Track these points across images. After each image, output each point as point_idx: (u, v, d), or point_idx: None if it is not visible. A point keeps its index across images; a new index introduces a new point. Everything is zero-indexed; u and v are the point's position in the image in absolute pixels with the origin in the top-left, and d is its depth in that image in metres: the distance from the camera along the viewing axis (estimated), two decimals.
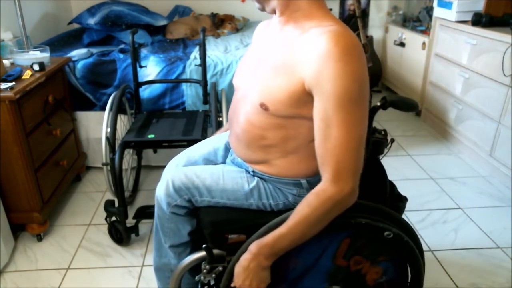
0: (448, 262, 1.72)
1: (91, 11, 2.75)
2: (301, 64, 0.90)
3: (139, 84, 2.11)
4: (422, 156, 2.61)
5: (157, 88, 2.24)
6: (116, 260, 1.76)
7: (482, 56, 2.38)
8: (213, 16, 3.16)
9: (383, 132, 1.11)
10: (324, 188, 0.89)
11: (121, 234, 1.81)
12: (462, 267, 1.70)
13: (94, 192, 2.26)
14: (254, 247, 0.94)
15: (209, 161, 1.28)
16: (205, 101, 2.16)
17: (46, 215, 1.85)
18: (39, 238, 1.87)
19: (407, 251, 1.04)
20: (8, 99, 1.59)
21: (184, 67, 2.25)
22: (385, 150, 1.11)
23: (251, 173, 1.12)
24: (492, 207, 2.10)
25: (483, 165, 2.43)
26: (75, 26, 3.07)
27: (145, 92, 2.24)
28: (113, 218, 1.80)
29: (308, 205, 0.90)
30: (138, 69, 2.25)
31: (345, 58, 0.84)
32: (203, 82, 2.08)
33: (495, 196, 2.19)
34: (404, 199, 1.13)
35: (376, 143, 1.08)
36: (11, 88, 1.62)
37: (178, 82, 2.23)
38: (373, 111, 1.04)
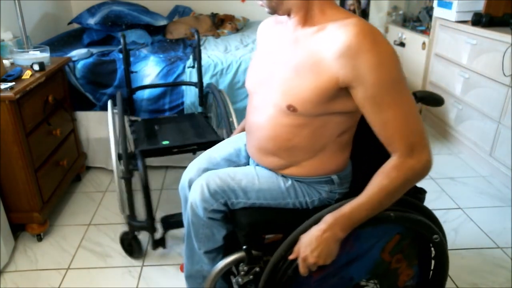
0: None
1: (91, 11, 2.75)
2: (327, 60, 0.90)
3: (132, 91, 2.09)
4: None
5: (157, 88, 2.24)
6: (116, 260, 1.76)
7: (482, 56, 2.38)
8: (213, 16, 3.16)
9: None
10: (401, 161, 0.92)
11: (134, 246, 1.75)
12: (462, 267, 1.70)
13: (94, 192, 2.26)
14: (329, 217, 0.93)
15: (231, 162, 1.26)
16: (201, 103, 2.15)
17: (46, 215, 1.85)
18: (39, 238, 1.87)
19: (442, 254, 1.08)
20: (8, 99, 1.59)
21: (184, 67, 2.25)
22: None
23: (280, 175, 1.12)
24: (492, 207, 2.10)
25: (483, 165, 2.43)
26: (75, 26, 3.07)
27: (145, 93, 2.24)
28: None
29: (387, 177, 0.92)
30: (138, 69, 2.25)
31: (376, 46, 0.86)
32: (199, 84, 2.07)
33: (495, 196, 2.19)
34: (423, 191, 1.15)
35: None
36: (11, 88, 1.62)
37: (172, 85, 2.19)
38: None
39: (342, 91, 0.92)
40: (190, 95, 2.25)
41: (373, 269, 1.08)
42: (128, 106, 2.13)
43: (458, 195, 2.19)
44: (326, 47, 0.90)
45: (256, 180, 1.10)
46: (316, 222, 0.96)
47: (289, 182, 1.10)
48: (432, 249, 1.11)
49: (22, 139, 1.68)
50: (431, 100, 1.17)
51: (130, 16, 2.66)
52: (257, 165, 1.18)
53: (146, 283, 1.64)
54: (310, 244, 0.93)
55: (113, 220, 2.01)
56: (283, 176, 1.12)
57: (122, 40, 1.90)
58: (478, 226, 1.94)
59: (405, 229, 1.05)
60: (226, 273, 1.16)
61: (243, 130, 1.40)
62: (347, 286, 1.09)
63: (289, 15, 1.00)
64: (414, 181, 0.94)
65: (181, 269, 1.49)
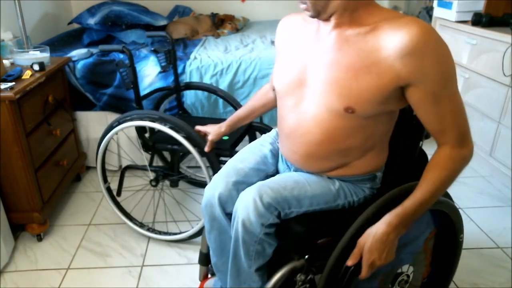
0: None
1: (91, 11, 2.75)
2: (389, 60, 0.90)
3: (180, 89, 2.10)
4: None
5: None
6: (116, 260, 1.76)
7: (482, 56, 2.38)
8: (213, 16, 3.16)
9: None
10: (455, 151, 0.97)
11: None
12: (462, 267, 1.70)
13: (94, 192, 2.26)
14: (393, 218, 0.95)
15: (260, 171, 1.21)
16: (180, 107, 2.17)
17: (46, 215, 1.85)
18: (39, 238, 1.87)
19: (458, 254, 1.15)
20: (8, 99, 1.59)
21: (184, 67, 2.25)
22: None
23: (326, 177, 1.11)
24: (492, 207, 2.10)
25: (483, 165, 2.43)
26: (75, 26, 3.07)
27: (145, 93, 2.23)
28: None
29: (445, 168, 0.96)
30: (138, 69, 2.25)
31: (439, 45, 0.89)
32: (175, 88, 2.05)
33: (495, 196, 2.19)
34: None
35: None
36: (11, 88, 1.62)
37: (150, 94, 2.07)
38: None
39: (398, 90, 0.93)
40: (190, 95, 2.25)
41: (415, 258, 1.11)
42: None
43: (458, 195, 2.19)
44: (386, 47, 0.90)
45: (308, 186, 1.08)
46: (368, 221, 0.98)
47: (337, 183, 1.10)
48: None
49: (22, 139, 1.68)
50: None
51: (130, 16, 2.66)
52: (296, 170, 1.15)
53: (146, 283, 1.64)
54: (378, 249, 0.94)
55: (113, 220, 2.01)
56: (329, 178, 1.11)
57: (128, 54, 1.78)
58: (478, 226, 1.94)
59: (441, 226, 1.11)
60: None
61: (239, 118, 1.39)
62: (398, 267, 1.11)
63: (329, 18, 0.97)
64: (464, 168, 0.99)
65: None
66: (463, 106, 0.96)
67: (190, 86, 2.14)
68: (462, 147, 0.98)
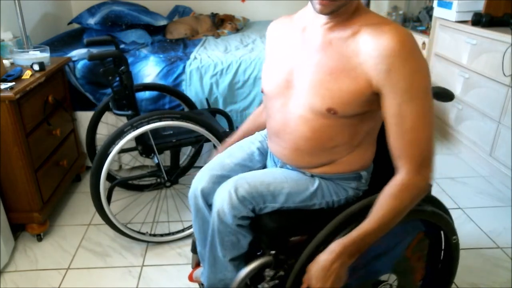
0: None
1: (91, 11, 2.75)
2: (363, 65, 0.91)
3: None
4: None
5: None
6: (116, 260, 1.76)
7: (482, 56, 2.38)
8: (213, 16, 3.16)
9: None
10: (409, 178, 0.91)
11: None
12: (462, 267, 1.69)
13: None
14: (337, 246, 0.92)
15: (245, 167, 1.23)
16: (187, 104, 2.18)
17: (46, 215, 1.85)
18: (39, 238, 1.87)
19: (456, 255, 1.12)
20: (8, 99, 1.59)
21: (184, 67, 2.25)
22: None
23: (309, 176, 1.12)
24: (492, 207, 2.10)
25: (483, 165, 2.43)
26: (75, 26, 3.07)
27: (145, 93, 2.23)
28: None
29: (395, 197, 0.91)
30: (138, 69, 2.26)
31: (413, 55, 0.87)
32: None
33: (495, 196, 2.19)
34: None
35: None
36: (11, 88, 1.62)
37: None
38: None
39: (376, 95, 0.93)
40: (189, 95, 2.25)
41: (396, 266, 1.10)
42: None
43: (458, 195, 2.19)
44: (363, 52, 0.91)
45: (285, 183, 1.09)
46: (343, 223, 0.96)
47: (317, 183, 1.10)
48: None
49: (22, 139, 1.68)
50: (444, 95, 1.21)
51: (130, 16, 2.66)
52: (282, 166, 1.17)
53: (146, 283, 1.64)
54: (322, 277, 0.92)
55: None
56: (312, 176, 1.11)
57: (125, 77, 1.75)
58: (478, 226, 1.94)
59: (429, 228, 1.07)
60: (251, 280, 1.14)
61: (245, 133, 1.38)
62: (373, 278, 1.10)
63: (334, 15, 0.96)
64: (420, 198, 0.94)
65: (190, 279, 1.46)
66: (429, 129, 0.91)
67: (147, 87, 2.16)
68: (418, 174, 0.91)
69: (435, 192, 2.21)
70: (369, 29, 0.92)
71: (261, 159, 1.26)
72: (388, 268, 1.10)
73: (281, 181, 1.09)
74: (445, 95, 1.21)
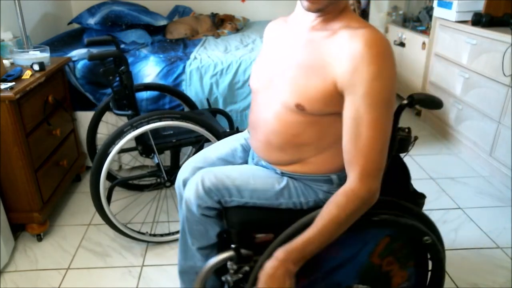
0: (448, 262, 1.72)
1: (91, 11, 2.75)
2: (332, 65, 0.92)
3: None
4: (422, 156, 2.61)
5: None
6: (116, 260, 1.76)
7: (482, 56, 2.38)
8: (213, 16, 3.16)
9: (407, 130, 1.12)
10: (352, 187, 0.91)
11: None
12: (462, 267, 1.70)
13: None
14: (281, 253, 0.91)
15: (227, 161, 1.27)
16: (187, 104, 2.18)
17: (46, 215, 1.85)
18: (39, 238, 1.87)
19: (436, 255, 1.06)
20: (8, 99, 1.59)
21: (184, 67, 2.25)
22: (409, 148, 1.12)
23: (279, 174, 1.12)
24: (492, 207, 2.10)
25: (483, 165, 2.43)
26: (75, 26, 3.07)
27: (145, 92, 2.23)
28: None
29: (337, 206, 0.90)
30: (138, 69, 2.26)
31: (379, 61, 0.87)
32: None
33: (495, 196, 2.19)
34: (422, 196, 1.15)
35: (401, 141, 1.08)
36: (11, 88, 1.62)
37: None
38: (400, 109, 1.05)
39: (341, 96, 0.93)
40: (189, 95, 2.25)
41: (362, 274, 1.07)
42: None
43: (458, 195, 2.19)
44: (335, 52, 0.92)
45: (251, 179, 1.11)
46: (305, 225, 0.94)
47: (284, 182, 1.10)
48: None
49: (22, 139, 1.68)
50: (429, 103, 1.17)
51: (130, 16, 2.66)
52: (256, 164, 1.19)
53: (146, 283, 1.64)
54: (266, 283, 0.91)
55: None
56: (282, 174, 1.12)
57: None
58: (478, 226, 1.94)
59: (396, 231, 1.04)
60: (220, 271, 1.15)
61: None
62: None
63: (320, 14, 0.97)
64: (363, 209, 0.92)
65: None
66: (383, 140, 0.90)
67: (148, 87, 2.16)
68: (362, 184, 0.90)
69: (435, 192, 2.22)
70: (347, 31, 0.93)
71: (243, 156, 1.29)
72: (352, 278, 1.07)
73: (247, 177, 1.11)
74: (431, 103, 1.18)
